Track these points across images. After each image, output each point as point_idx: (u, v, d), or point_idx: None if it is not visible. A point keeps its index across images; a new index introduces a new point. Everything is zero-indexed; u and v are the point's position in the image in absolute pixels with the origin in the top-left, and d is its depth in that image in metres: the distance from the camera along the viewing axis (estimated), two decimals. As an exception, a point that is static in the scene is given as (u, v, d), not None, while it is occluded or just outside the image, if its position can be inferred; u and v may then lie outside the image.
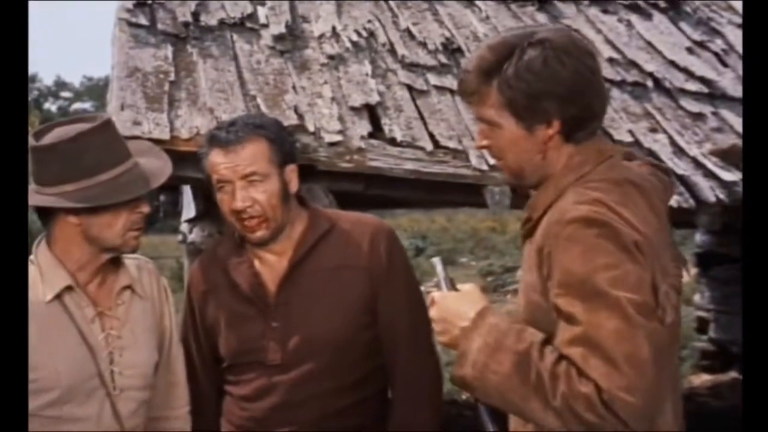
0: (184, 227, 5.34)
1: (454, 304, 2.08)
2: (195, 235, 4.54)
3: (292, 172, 2.77)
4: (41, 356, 2.46)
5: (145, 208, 2.57)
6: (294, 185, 2.78)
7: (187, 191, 5.31)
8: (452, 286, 2.14)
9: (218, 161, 2.69)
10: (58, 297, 2.52)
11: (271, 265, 2.78)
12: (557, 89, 1.97)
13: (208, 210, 4.19)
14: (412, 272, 2.95)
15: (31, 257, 2.58)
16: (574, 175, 2.03)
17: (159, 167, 2.61)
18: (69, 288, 2.53)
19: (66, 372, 2.48)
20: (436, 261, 2.21)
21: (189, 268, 5.05)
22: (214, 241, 4.02)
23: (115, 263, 2.64)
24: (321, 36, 4.67)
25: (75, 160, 2.45)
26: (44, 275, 2.53)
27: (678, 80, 5.03)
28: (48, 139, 2.48)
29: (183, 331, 2.90)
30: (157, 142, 3.38)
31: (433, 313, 2.11)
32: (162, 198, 6.54)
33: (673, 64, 5.16)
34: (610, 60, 5.10)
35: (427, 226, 27.85)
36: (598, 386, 1.77)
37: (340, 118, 4.03)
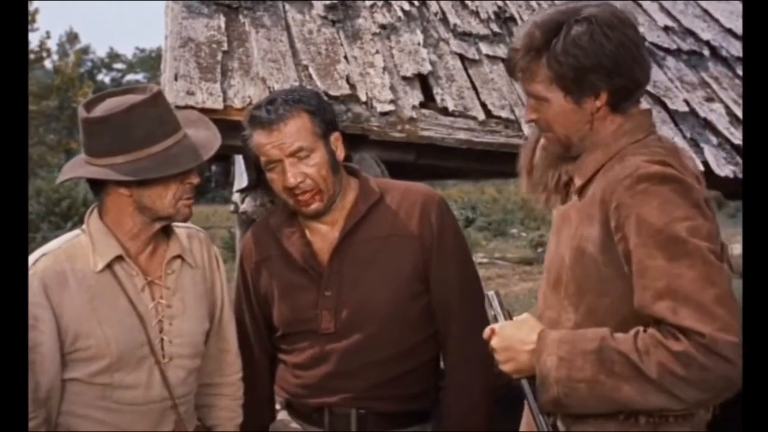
0: (236, 197, 5.37)
1: (513, 331, 2.12)
2: (247, 205, 4.55)
3: (337, 140, 2.77)
4: (91, 325, 2.49)
5: (195, 179, 2.58)
6: (341, 152, 2.79)
7: (239, 161, 5.33)
8: (509, 316, 2.18)
9: (263, 142, 2.70)
10: (109, 266, 2.54)
11: (323, 235, 2.79)
12: (604, 62, 2.06)
13: (261, 180, 4.19)
14: (464, 240, 2.94)
15: (83, 227, 2.61)
16: (627, 140, 2.12)
17: (208, 138, 2.61)
18: (119, 258, 2.55)
19: (116, 340, 2.51)
20: (492, 295, 2.24)
21: (241, 238, 5.09)
22: (266, 211, 4.03)
23: (166, 233, 2.66)
24: (372, 5, 4.64)
25: (126, 132, 2.45)
26: (95, 245, 2.55)
27: (735, 49, 4.92)
28: (99, 111, 2.48)
29: (236, 300, 2.93)
30: (210, 111, 3.39)
31: (495, 342, 2.15)
32: (213, 168, 6.58)
33: (730, 32, 5.05)
34: (666, 28, 5.00)
35: (477, 197, 27.84)
36: (695, 335, 1.82)
37: (392, 88, 4.00)
